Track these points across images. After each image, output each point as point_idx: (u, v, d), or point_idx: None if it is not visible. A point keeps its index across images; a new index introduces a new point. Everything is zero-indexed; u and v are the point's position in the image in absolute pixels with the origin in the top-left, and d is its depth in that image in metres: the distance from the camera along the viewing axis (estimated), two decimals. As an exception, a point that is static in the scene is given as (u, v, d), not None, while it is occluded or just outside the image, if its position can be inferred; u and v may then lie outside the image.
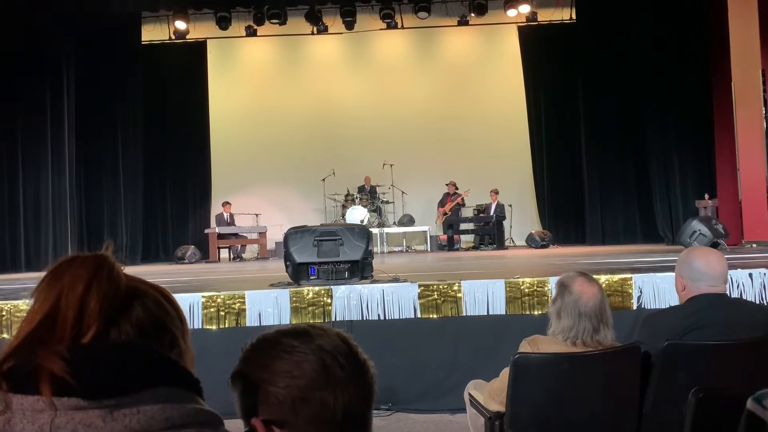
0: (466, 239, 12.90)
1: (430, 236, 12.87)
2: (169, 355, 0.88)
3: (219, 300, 4.38)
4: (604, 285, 2.53)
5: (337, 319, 4.31)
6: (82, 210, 11.59)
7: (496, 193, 12.35)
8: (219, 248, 11.68)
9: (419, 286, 4.41)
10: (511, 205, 12.61)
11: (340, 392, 0.92)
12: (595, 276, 2.49)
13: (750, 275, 4.30)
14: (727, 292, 2.60)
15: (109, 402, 0.78)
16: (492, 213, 12.17)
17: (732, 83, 8.99)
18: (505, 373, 2.40)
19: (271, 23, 12.49)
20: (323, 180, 13.13)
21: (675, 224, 10.65)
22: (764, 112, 9.12)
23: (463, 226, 12.63)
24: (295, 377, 0.92)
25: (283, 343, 0.96)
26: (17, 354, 0.80)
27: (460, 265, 7.74)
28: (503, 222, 12.18)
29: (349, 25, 12.72)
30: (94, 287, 0.85)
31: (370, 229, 5.12)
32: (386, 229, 12.80)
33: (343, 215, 12.70)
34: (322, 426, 0.91)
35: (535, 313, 4.30)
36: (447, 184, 12.92)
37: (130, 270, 0.94)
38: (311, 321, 4.23)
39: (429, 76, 14.19)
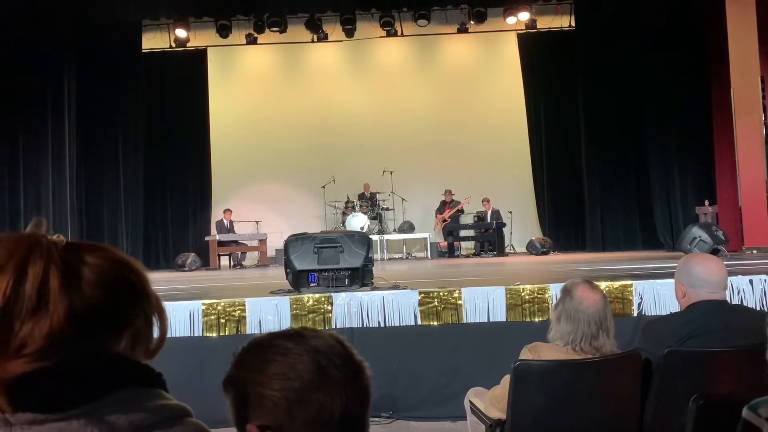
0: (467, 246, 12.88)
1: (431, 243, 12.85)
2: (126, 355, 0.84)
3: (219, 307, 4.37)
4: (604, 292, 2.53)
5: (338, 327, 4.30)
6: (83, 217, 11.57)
7: (488, 201, 12.35)
8: (219, 255, 11.67)
9: (419, 293, 4.41)
10: (511, 212, 12.61)
11: (337, 394, 0.90)
12: (595, 283, 2.50)
13: (750, 282, 4.30)
14: (728, 299, 2.60)
15: (65, 414, 0.76)
16: (489, 220, 12.17)
17: (731, 90, 9.01)
18: (506, 380, 2.40)
19: (272, 31, 12.52)
20: (323, 187, 13.14)
21: (675, 231, 10.65)
22: (763, 118, 9.13)
23: (463, 233, 12.62)
24: (290, 379, 0.90)
25: (277, 346, 0.94)
26: None
27: (460, 272, 7.73)
28: (503, 229, 12.17)
29: (349, 33, 12.74)
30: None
31: (370, 236, 5.12)
32: (386, 236, 12.78)
33: (344, 222, 12.69)
34: (320, 429, 0.90)
35: (536, 320, 4.31)
36: (444, 193, 12.92)
37: None
38: (311, 328, 4.22)
39: (429, 84, 14.21)
